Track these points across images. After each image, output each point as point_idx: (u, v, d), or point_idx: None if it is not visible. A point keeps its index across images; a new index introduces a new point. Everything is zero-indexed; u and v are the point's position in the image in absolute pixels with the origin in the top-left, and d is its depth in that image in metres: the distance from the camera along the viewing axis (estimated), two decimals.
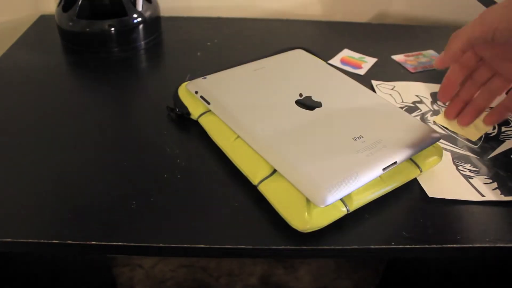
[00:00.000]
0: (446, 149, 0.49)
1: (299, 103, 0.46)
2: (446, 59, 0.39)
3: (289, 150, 0.39)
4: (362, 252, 0.38)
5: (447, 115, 0.43)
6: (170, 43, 0.70)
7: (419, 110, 0.55)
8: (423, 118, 0.54)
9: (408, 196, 0.43)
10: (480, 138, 0.51)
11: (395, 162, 0.40)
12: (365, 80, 0.61)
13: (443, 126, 0.52)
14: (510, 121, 0.54)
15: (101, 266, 0.90)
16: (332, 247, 0.37)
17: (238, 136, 0.43)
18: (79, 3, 0.64)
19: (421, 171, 0.43)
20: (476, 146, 0.50)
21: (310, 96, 0.47)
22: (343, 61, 0.66)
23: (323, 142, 0.41)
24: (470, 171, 0.46)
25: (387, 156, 0.39)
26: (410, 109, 0.55)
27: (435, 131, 0.44)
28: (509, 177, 0.45)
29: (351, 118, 0.44)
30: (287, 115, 0.44)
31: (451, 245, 0.38)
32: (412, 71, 0.65)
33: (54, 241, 0.37)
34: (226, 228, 0.38)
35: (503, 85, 0.40)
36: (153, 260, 0.97)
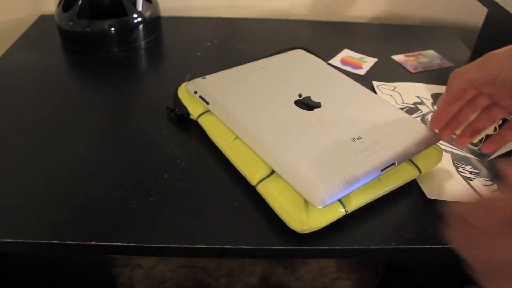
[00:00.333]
0: (446, 151, 0.49)
1: (298, 103, 0.46)
2: (449, 98, 0.39)
3: (288, 151, 0.39)
4: (362, 252, 0.38)
5: (442, 135, 0.43)
6: (170, 43, 0.70)
7: (419, 111, 0.55)
8: (423, 119, 0.54)
9: (408, 197, 0.43)
10: (480, 140, 0.51)
11: (394, 163, 0.40)
12: (365, 80, 0.61)
13: None
14: None
15: (101, 266, 0.90)
16: (332, 247, 0.37)
17: (237, 137, 0.43)
18: (79, 3, 0.64)
19: (420, 172, 0.43)
20: (476, 148, 0.50)
21: (310, 97, 0.47)
22: (343, 61, 0.66)
23: (321, 142, 0.41)
24: (470, 172, 0.46)
25: (386, 157, 0.39)
26: (411, 110, 0.55)
27: (435, 132, 0.43)
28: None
29: (350, 119, 0.44)
30: (286, 115, 0.44)
31: (451, 245, 0.38)
32: (412, 71, 0.65)
33: (54, 241, 0.37)
34: (226, 228, 0.38)
35: (502, 113, 0.40)
36: (153, 260, 0.97)
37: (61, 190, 0.41)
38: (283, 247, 0.37)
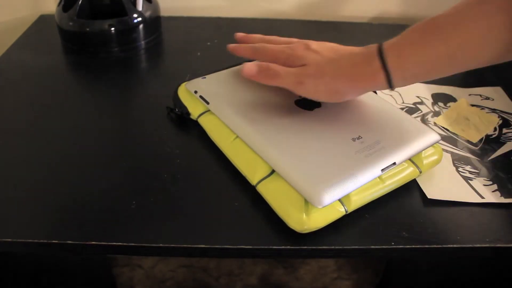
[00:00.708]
0: (446, 151, 0.49)
1: (299, 103, 0.46)
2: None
3: (288, 150, 0.39)
4: (362, 252, 0.38)
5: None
6: (170, 43, 0.70)
7: (419, 111, 0.55)
8: (423, 119, 0.54)
9: (408, 197, 0.43)
10: (480, 140, 0.51)
11: (394, 163, 0.40)
12: None
13: (443, 127, 0.52)
14: (511, 123, 0.54)
15: (101, 266, 0.90)
16: (332, 247, 0.37)
17: (237, 136, 0.43)
18: (79, 3, 0.64)
19: (420, 172, 0.43)
20: (476, 148, 0.50)
21: None
22: None
23: (321, 142, 0.41)
24: (470, 172, 0.46)
25: (386, 157, 0.39)
26: (411, 110, 0.55)
27: (434, 132, 0.43)
28: (510, 179, 0.45)
29: (350, 119, 0.44)
30: (286, 115, 0.44)
31: (451, 245, 0.38)
32: None
33: (54, 241, 0.37)
34: (226, 228, 0.38)
35: None
36: (153, 260, 0.97)
37: (61, 190, 0.41)
38: (283, 247, 0.37)
